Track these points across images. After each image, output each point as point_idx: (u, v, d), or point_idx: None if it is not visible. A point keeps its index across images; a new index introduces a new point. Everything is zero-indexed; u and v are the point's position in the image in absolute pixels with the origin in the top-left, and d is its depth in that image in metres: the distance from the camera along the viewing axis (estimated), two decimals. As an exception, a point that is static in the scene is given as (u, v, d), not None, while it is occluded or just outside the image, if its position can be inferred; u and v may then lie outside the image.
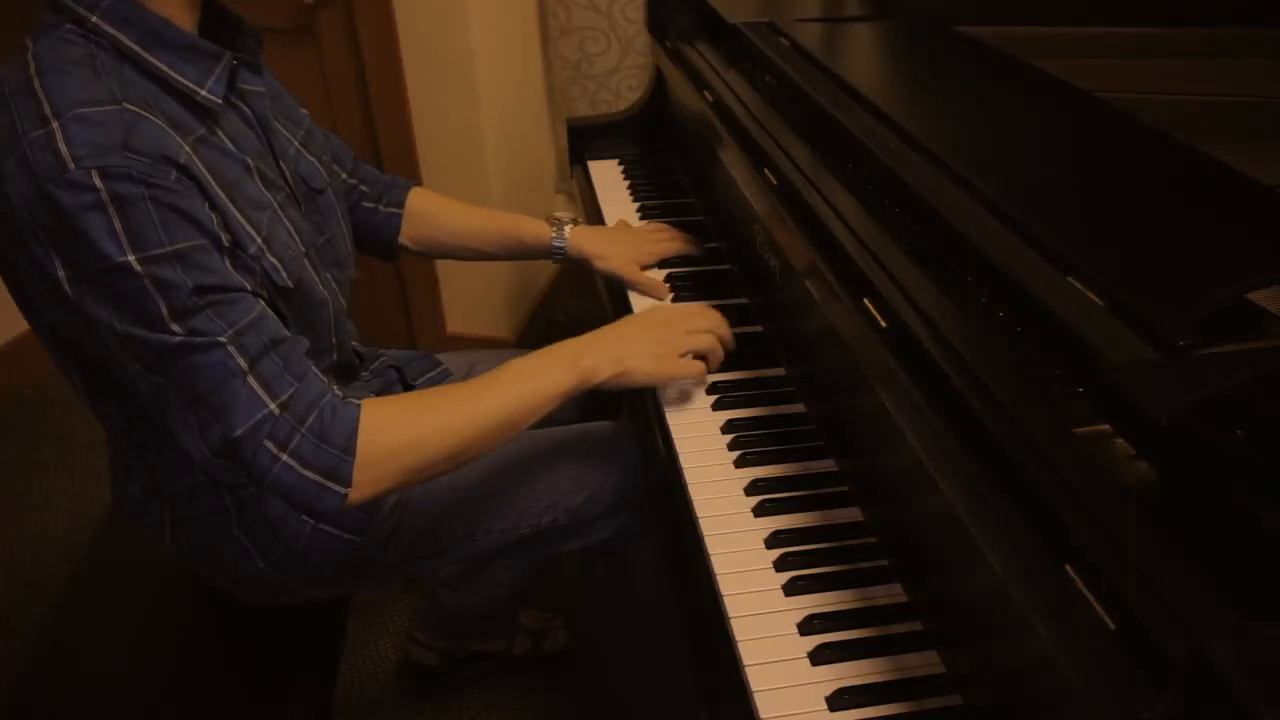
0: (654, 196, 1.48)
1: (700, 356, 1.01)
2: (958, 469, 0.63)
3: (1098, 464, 0.54)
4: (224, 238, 0.78)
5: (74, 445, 2.11)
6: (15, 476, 2.03)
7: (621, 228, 1.32)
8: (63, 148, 0.70)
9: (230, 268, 0.78)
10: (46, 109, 0.72)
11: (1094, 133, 0.94)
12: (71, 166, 0.70)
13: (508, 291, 2.22)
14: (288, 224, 0.90)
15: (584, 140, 1.63)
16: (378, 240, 1.22)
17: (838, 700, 0.70)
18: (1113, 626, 0.49)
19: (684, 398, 1.03)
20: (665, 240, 1.28)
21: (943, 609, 0.74)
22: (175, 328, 0.74)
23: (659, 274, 1.26)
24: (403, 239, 1.22)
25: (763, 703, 0.71)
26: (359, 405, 0.83)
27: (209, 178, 0.79)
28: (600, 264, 1.23)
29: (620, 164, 1.61)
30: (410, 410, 0.86)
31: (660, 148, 1.64)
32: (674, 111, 1.57)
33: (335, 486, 0.80)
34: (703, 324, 1.01)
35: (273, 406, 0.78)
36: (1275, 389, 0.55)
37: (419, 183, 1.26)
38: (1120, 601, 0.48)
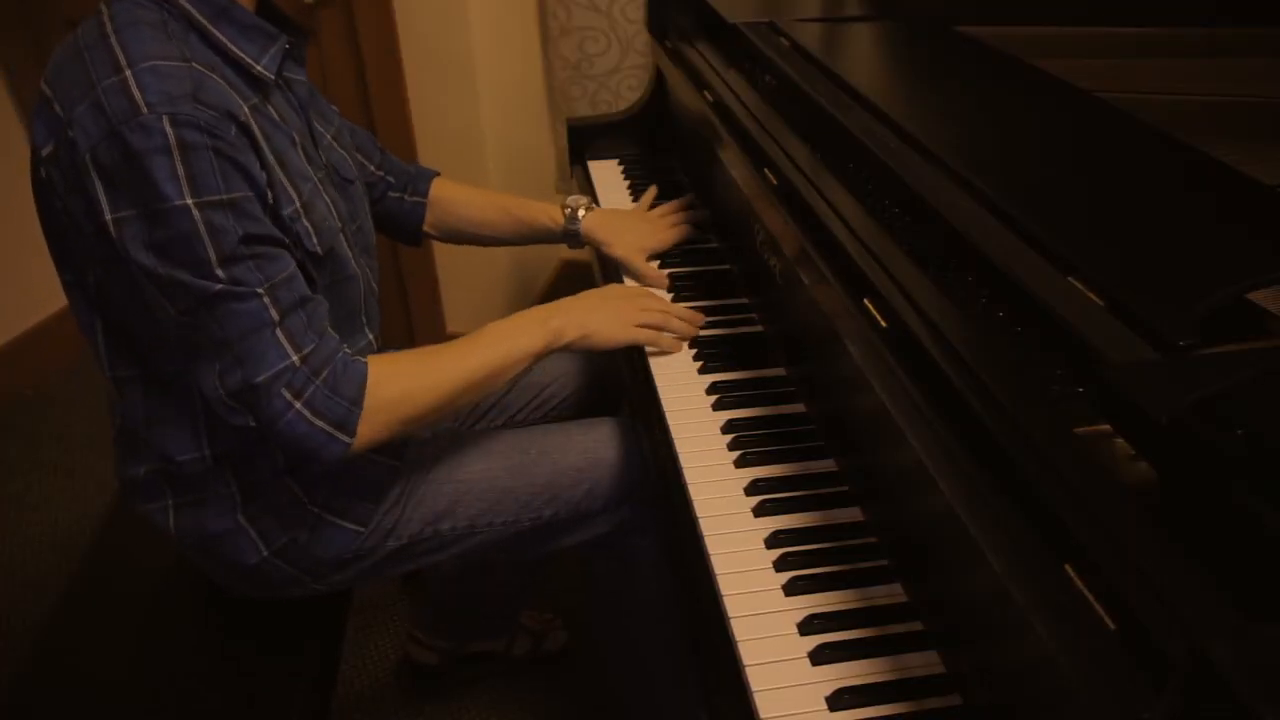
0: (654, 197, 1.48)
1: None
2: (958, 469, 0.63)
3: (1098, 464, 0.54)
4: (269, 194, 0.84)
5: (74, 445, 2.11)
6: (15, 476, 2.03)
7: (634, 215, 1.36)
8: (136, 93, 0.75)
9: (268, 220, 0.83)
10: (121, 59, 0.77)
11: (1094, 133, 0.94)
12: (144, 111, 0.75)
13: (508, 291, 2.22)
14: (327, 199, 0.96)
15: (584, 140, 1.63)
16: (404, 228, 1.28)
17: (838, 700, 0.70)
18: (1113, 626, 0.49)
19: (684, 398, 1.03)
20: (674, 227, 1.32)
21: (943, 609, 0.74)
22: (220, 273, 0.79)
23: (654, 264, 1.27)
24: (426, 227, 1.28)
25: (763, 703, 0.71)
26: (366, 361, 0.89)
27: (262, 138, 0.84)
28: (608, 250, 1.28)
29: (620, 164, 1.61)
30: (408, 368, 0.93)
31: (660, 148, 1.64)
32: (674, 111, 1.57)
33: (342, 436, 0.86)
34: (655, 304, 1.11)
35: (295, 359, 0.83)
36: (1275, 389, 0.55)
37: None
38: (1120, 601, 0.48)
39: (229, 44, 0.85)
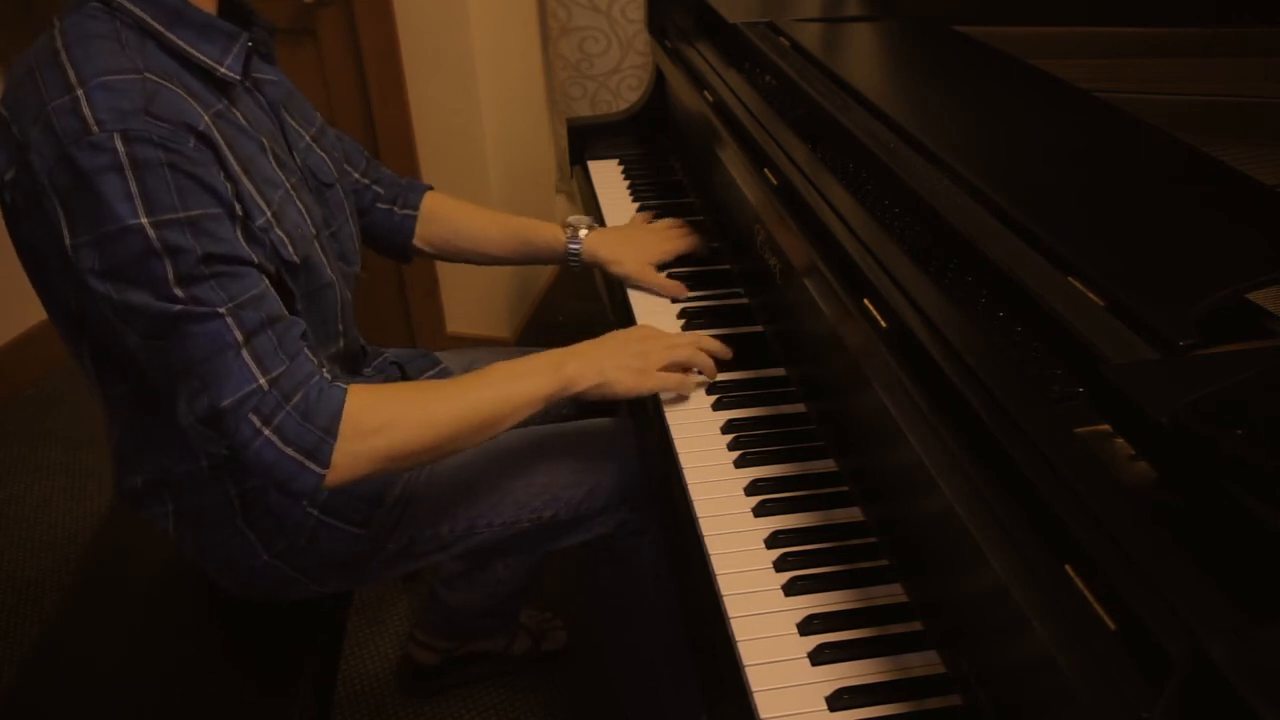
0: (654, 197, 1.48)
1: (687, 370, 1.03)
2: (958, 469, 0.63)
3: (1098, 464, 0.54)
4: (236, 207, 0.80)
5: (74, 445, 2.11)
6: (15, 476, 2.03)
7: (635, 228, 1.33)
8: (86, 112, 0.72)
9: (240, 238, 0.80)
10: (71, 77, 0.74)
11: (1094, 132, 0.94)
12: (94, 129, 0.72)
13: (508, 291, 2.22)
14: (299, 205, 0.92)
15: (584, 140, 1.63)
16: (393, 242, 1.23)
17: (838, 700, 0.70)
18: (1113, 626, 0.49)
19: (684, 398, 1.03)
20: (677, 238, 1.28)
21: (943, 609, 0.74)
22: (179, 293, 0.76)
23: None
24: (417, 241, 1.23)
25: (763, 703, 0.71)
26: (345, 389, 0.84)
27: (225, 148, 0.81)
28: (615, 269, 1.23)
29: (620, 164, 1.61)
30: (395, 400, 0.87)
31: (660, 148, 1.64)
32: (674, 111, 1.57)
33: (313, 466, 0.81)
34: (683, 339, 1.03)
35: (262, 381, 0.79)
36: (1275, 389, 0.55)
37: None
38: (1120, 601, 0.48)
39: (187, 47, 0.82)
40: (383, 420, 0.85)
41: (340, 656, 1.20)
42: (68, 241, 0.75)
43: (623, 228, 1.34)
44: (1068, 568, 0.52)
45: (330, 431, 0.82)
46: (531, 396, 0.94)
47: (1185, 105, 1.12)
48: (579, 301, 2.41)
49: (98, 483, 1.99)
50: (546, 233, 1.25)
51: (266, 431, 0.79)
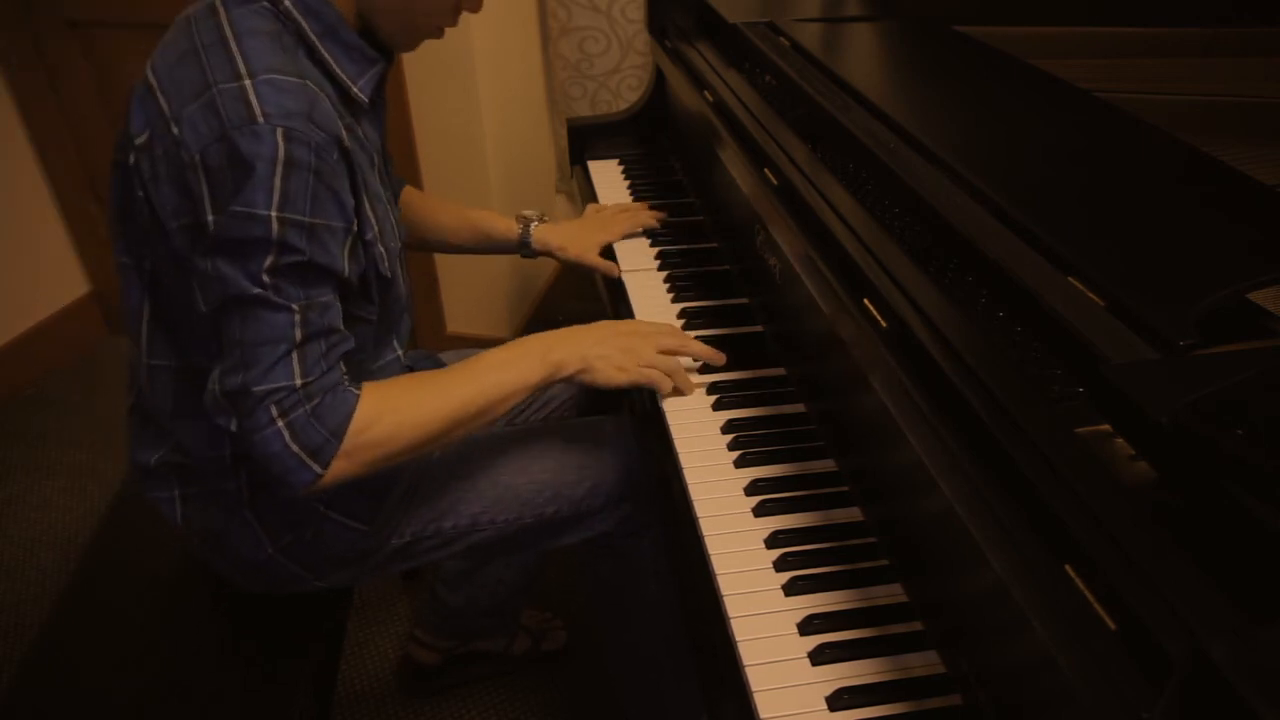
0: (654, 197, 1.48)
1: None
2: (958, 469, 0.63)
3: (1098, 464, 0.54)
4: (354, 223, 0.85)
5: (74, 445, 2.11)
6: (16, 476, 2.03)
7: (584, 218, 1.41)
8: (254, 102, 0.77)
9: (343, 254, 0.84)
10: (241, 66, 0.78)
11: (1094, 132, 0.94)
12: (260, 119, 0.76)
13: (508, 292, 2.22)
14: (393, 219, 0.97)
15: (584, 140, 1.63)
16: None
17: (838, 700, 0.70)
18: (1113, 626, 0.49)
19: (684, 398, 1.03)
20: (623, 221, 1.37)
21: (943, 609, 0.74)
22: (265, 279, 0.79)
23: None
24: None
25: (763, 703, 0.71)
26: (358, 394, 0.86)
27: (356, 162, 0.85)
28: (563, 254, 1.32)
29: (620, 164, 1.61)
30: (398, 403, 0.90)
31: (660, 148, 1.64)
32: (674, 111, 1.58)
33: (314, 465, 0.84)
34: (672, 343, 1.04)
35: (297, 382, 0.82)
36: (1275, 389, 0.55)
37: (419, 184, 1.28)
38: (1120, 601, 0.48)
39: (333, 62, 0.87)
40: (386, 429, 0.87)
41: (340, 656, 1.20)
42: (208, 216, 0.78)
43: (574, 220, 1.42)
44: (1068, 568, 0.52)
45: (337, 435, 0.84)
46: (522, 384, 0.97)
47: (1185, 105, 1.12)
48: (579, 301, 2.41)
49: (98, 483, 1.99)
50: (501, 225, 1.33)
51: (280, 423, 0.82)
